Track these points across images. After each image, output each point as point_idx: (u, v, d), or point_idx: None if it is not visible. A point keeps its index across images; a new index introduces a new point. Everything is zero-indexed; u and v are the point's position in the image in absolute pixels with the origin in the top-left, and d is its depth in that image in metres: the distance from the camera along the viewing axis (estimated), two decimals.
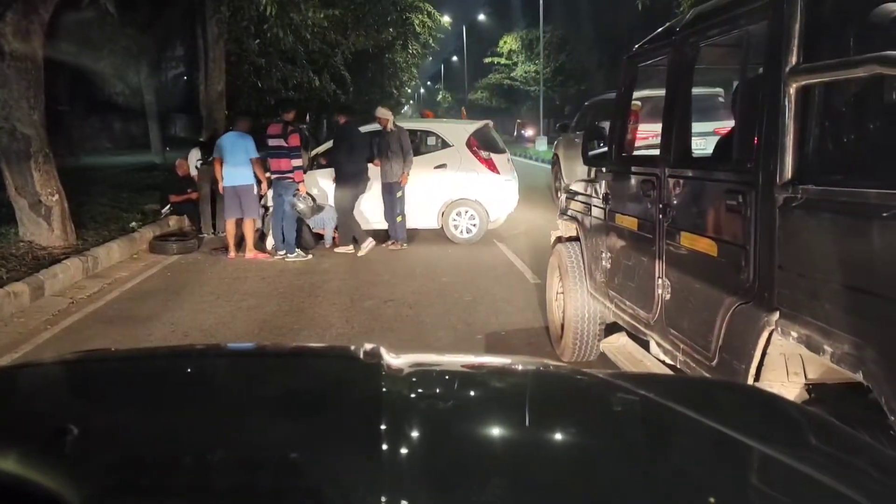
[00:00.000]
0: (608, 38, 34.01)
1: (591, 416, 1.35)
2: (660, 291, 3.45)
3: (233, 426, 1.20)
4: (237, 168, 9.02)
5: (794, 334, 2.37)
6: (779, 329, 2.47)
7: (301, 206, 8.94)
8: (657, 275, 3.47)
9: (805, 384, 2.58)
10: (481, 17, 63.98)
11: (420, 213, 10.12)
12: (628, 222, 3.90)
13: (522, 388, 1.54)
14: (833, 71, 2.27)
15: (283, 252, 9.08)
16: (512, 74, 50.47)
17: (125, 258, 9.07)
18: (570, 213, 5.07)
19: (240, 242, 9.32)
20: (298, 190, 8.95)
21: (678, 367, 3.30)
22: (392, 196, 9.61)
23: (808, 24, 2.41)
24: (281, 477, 0.99)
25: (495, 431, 1.25)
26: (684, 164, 3.34)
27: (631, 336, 4.20)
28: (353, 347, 1.52)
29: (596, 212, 4.48)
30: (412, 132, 11.44)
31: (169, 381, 1.51)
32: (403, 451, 1.06)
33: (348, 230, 9.56)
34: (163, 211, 11.53)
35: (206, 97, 14.56)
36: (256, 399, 1.36)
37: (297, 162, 8.87)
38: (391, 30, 16.96)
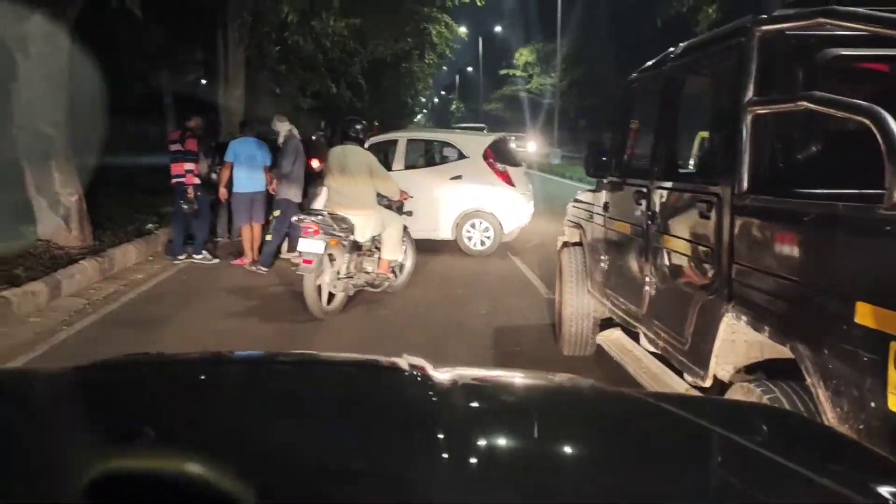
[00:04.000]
0: (625, 52, 34.07)
1: (633, 434, 1.38)
2: (647, 288, 3.93)
3: (293, 434, 1.21)
4: (253, 174, 9.09)
5: (744, 318, 2.84)
6: (733, 315, 2.92)
7: (185, 207, 9.15)
8: (645, 274, 3.96)
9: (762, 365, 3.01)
10: (498, 28, 64.13)
11: (434, 223, 10.14)
12: (623, 228, 4.42)
13: (569, 406, 1.58)
14: (776, 104, 2.86)
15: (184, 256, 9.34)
16: (527, 86, 50.56)
17: (141, 260, 9.12)
18: (574, 220, 5.61)
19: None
20: (188, 192, 9.10)
21: (661, 353, 3.79)
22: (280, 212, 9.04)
23: (762, 64, 2.94)
24: (345, 486, 1.01)
25: (547, 447, 1.28)
26: (668, 177, 3.87)
27: (624, 330, 4.62)
28: (397, 360, 1.54)
29: (597, 219, 5.00)
30: (429, 142, 11.53)
31: (222, 386, 1.57)
32: (460, 462, 1.09)
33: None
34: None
35: (225, 101, 14.67)
36: (313, 408, 1.39)
37: (188, 166, 9.15)
38: (409, 39, 17.03)
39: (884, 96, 2.44)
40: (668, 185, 3.80)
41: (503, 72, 52.71)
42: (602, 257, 4.82)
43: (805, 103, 2.54)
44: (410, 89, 36.09)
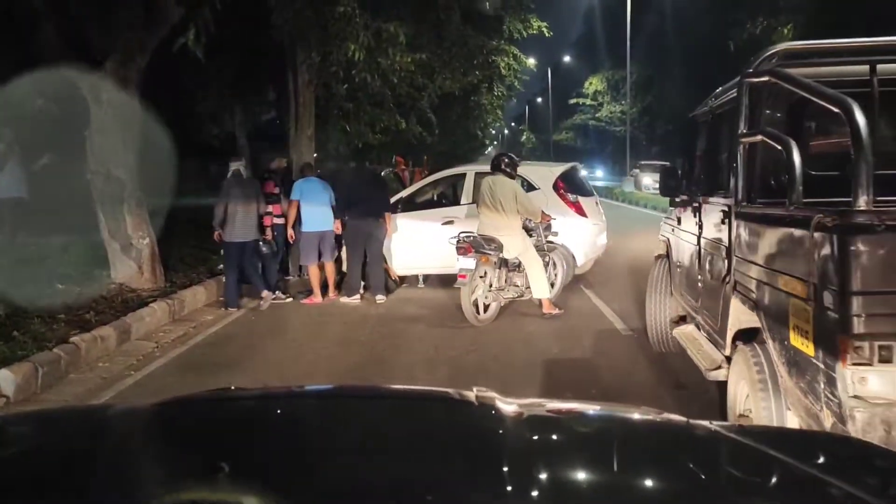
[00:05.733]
0: (697, 77, 33.34)
1: (701, 466, 1.40)
2: (700, 284, 4.85)
3: (361, 465, 1.28)
4: (321, 212, 9.06)
5: (740, 297, 3.81)
6: (734, 296, 3.89)
7: (265, 249, 9.06)
8: (698, 272, 4.85)
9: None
10: (567, 58, 63.91)
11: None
12: (688, 237, 5.27)
13: (635, 436, 1.61)
14: (750, 137, 3.83)
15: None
16: (597, 115, 50.08)
17: (211, 301, 9.11)
18: (663, 234, 6.41)
19: (325, 286, 9.30)
20: (265, 234, 9.06)
21: (706, 337, 4.75)
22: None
23: (751, 106, 3.88)
24: None
25: (614, 479, 1.31)
26: (709, 193, 4.79)
27: (697, 325, 5.25)
28: (466, 392, 1.61)
29: (675, 231, 5.83)
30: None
31: (291, 420, 1.63)
32: (528, 494, 1.13)
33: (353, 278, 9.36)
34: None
35: (296, 141, 14.77)
36: (380, 440, 1.45)
37: (267, 208, 9.14)
38: (477, 72, 16.90)
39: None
40: (708, 200, 4.76)
41: (572, 101, 52.38)
42: (678, 263, 5.67)
43: (761, 136, 3.65)
44: (480, 122, 36.00)
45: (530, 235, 8.29)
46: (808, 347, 2.85)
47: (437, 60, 13.90)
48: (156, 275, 8.93)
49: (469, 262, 7.69)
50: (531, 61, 27.35)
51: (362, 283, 9.34)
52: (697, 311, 4.96)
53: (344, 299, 9.14)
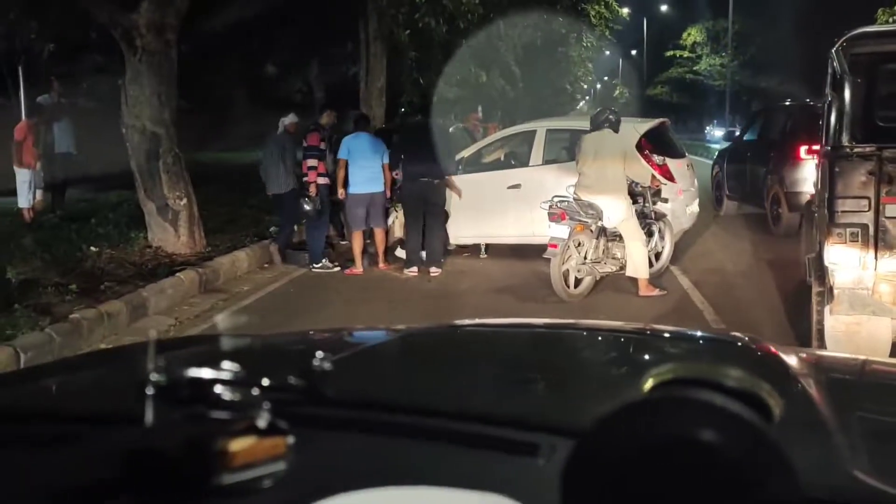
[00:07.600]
0: (805, 29, 30.70)
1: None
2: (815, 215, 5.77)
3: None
4: (370, 172, 8.17)
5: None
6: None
7: (307, 207, 8.26)
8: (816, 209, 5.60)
9: None
10: (664, 7, 60.70)
11: None
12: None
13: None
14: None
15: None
16: (695, 68, 47.45)
17: (254, 268, 8.37)
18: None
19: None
20: (309, 190, 8.26)
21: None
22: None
23: (833, 74, 4.82)
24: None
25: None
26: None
27: None
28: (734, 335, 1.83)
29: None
30: (574, 132, 10.03)
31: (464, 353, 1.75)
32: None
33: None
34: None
35: (367, 93, 13.95)
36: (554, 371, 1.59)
37: (310, 162, 8.32)
38: (561, 19, 15.58)
39: None
40: None
41: (669, 53, 49.76)
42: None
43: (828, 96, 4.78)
44: (568, 75, 34.36)
45: (635, 202, 7.20)
46: (823, 237, 4.30)
47: (512, 5, 12.71)
48: (194, 238, 8.25)
49: (562, 230, 6.76)
50: (625, 10, 25.64)
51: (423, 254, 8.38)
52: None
53: (405, 271, 8.23)
